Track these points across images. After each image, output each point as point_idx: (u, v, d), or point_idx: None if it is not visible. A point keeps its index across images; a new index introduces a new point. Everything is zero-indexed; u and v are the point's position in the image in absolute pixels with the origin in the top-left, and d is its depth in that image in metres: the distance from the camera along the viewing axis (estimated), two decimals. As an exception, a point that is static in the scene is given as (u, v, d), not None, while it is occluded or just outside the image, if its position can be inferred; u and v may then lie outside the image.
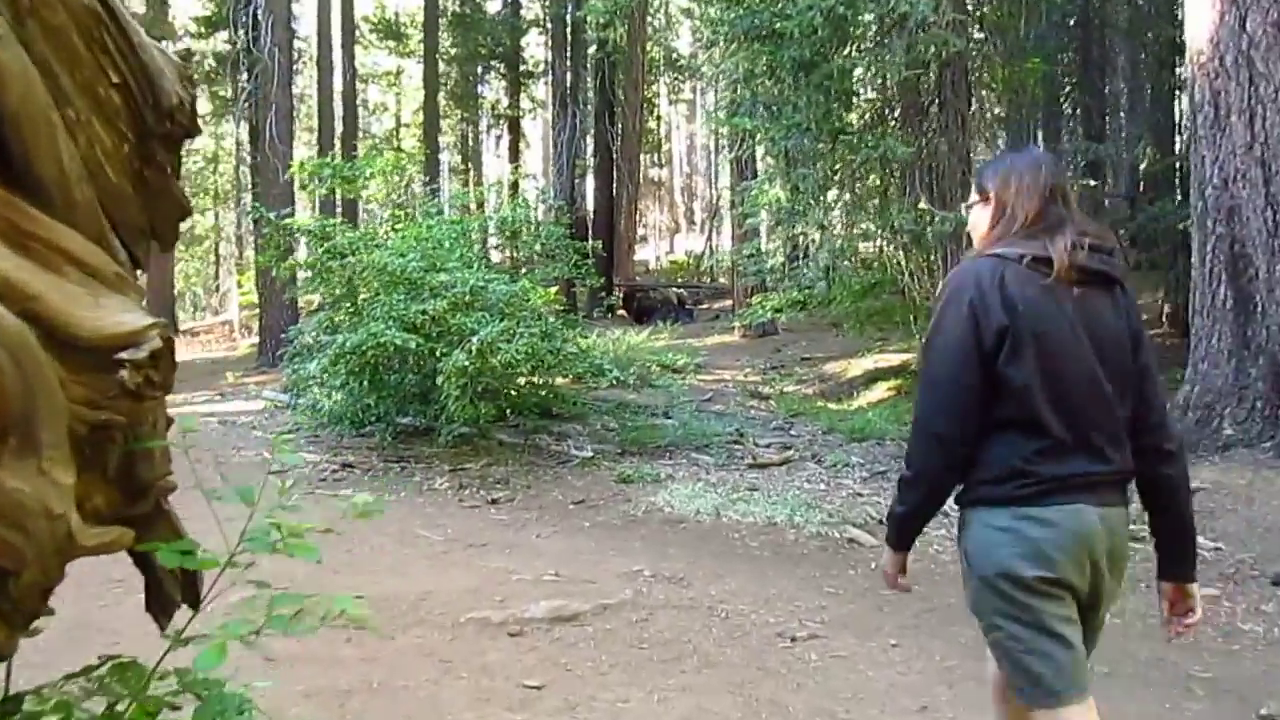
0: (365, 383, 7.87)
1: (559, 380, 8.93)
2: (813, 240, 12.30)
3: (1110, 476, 2.13)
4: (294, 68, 24.77)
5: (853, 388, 13.69)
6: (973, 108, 11.37)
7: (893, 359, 14.16)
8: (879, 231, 10.31)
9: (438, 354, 7.10)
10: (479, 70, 33.01)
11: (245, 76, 21.55)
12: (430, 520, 6.17)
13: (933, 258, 10.65)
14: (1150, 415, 2.19)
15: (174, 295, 31.88)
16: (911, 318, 12.73)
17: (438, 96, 29.43)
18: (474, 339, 6.81)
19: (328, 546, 5.10)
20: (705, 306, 27.01)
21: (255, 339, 19.46)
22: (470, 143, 37.66)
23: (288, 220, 8.33)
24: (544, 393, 8.82)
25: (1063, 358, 2.09)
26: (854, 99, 11.47)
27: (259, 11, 19.18)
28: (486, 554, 5.34)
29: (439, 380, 6.86)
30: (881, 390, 12.90)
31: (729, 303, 24.30)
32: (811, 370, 15.54)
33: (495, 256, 11.56)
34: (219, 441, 9.24)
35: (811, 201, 11.64)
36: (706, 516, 6.32)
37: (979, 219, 2.30)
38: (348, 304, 8.24)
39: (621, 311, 23.69)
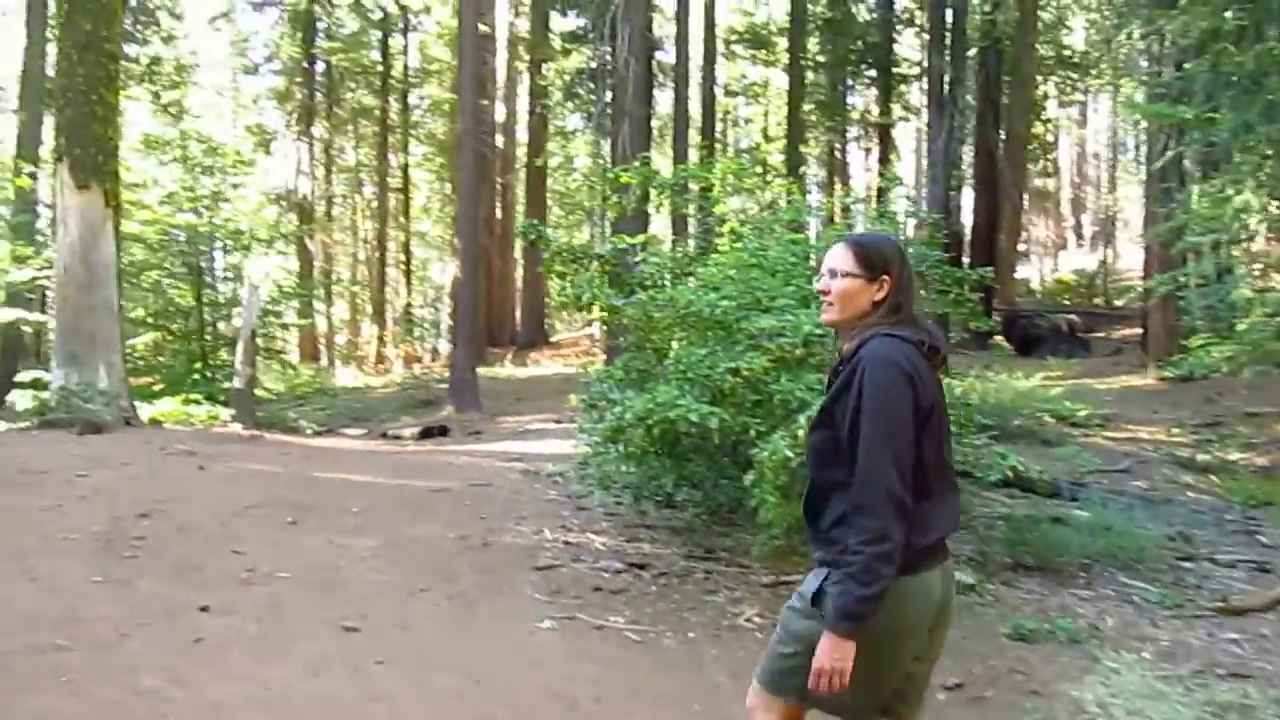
0: (663, 457, 5.95)
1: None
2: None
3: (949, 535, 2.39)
4: (655, 80, 24.12)
5: (1328, 461, 10.09)
6: None
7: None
8: None
9: (751, 432, 4.99)
10: (847, 77, 31.09)
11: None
12: (715, 698, 4.05)
13: None
14: None
15: (544, 305, 32.29)
16: None
17: (802, 106, 27.64)
18: (801, 417, 4.63)
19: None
20: (1102, 335, 23.24)
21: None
22: (837, 155, 35.78)
23: (554, 239, 6.56)
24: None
25: (941, 433, 2.33)
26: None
27: (618, 23, 19.01)
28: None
29: (747, 479, 4.73)
30: (1378, 469, 9.29)
31: (1133, 331, 20.63)
32: (1262, 431, 11.85)
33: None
34: (506, 504, 7.71)
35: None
36: (1178, 751, 3.75)
37: (858, 292, 2.35)
38: (649, 348, 6.37)
39: (1000, 339, 20.86)
